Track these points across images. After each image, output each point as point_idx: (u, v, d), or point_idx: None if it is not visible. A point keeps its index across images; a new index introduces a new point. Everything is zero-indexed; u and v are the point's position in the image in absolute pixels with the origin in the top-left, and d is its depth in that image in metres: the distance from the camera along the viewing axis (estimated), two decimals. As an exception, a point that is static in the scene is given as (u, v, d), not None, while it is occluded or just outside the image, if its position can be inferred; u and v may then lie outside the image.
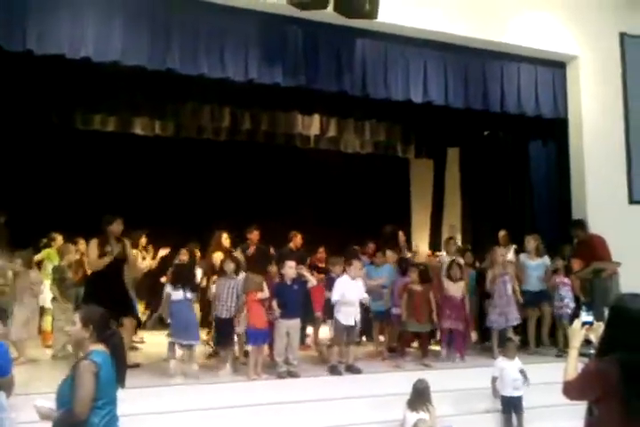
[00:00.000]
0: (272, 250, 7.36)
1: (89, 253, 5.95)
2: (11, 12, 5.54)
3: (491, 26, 7.51)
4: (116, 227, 5.93)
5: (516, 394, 5.43)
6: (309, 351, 6.85)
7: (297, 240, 7.81)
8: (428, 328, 6.66)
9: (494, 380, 5.55)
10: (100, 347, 2.96)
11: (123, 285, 6.02)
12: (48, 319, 7.07)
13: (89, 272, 6.25)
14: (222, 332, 6.00)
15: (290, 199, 10.31)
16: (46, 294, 6.89)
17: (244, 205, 9.80)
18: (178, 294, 5.81)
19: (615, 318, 2.63)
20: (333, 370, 5.93)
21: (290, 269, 5.96)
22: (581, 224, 7.50)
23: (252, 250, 7.20)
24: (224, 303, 5.96)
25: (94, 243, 5.79)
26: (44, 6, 5.66)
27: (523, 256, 7.28)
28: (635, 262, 7.30)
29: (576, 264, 7.16)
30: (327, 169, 10.56)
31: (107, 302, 5.33)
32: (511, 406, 5.44)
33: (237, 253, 6.87)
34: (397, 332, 6.93)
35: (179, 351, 5.84)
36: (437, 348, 7.06)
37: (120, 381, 3.02)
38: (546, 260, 7.28)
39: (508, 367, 5.51)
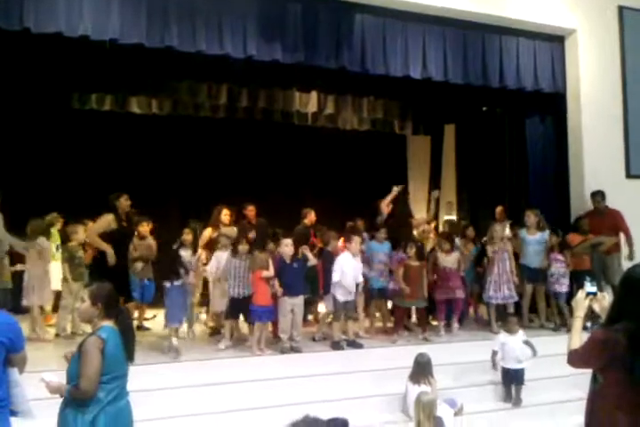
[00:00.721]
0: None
1: (95, 225, 6.00)
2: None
3: (490, 0, 7.45)
4: (124, 202, 5.95)
5: (517, 367, 5.53)
6: (311, 328, 6.94)
7: (311, 217, 7.74)
8: (423, 303, 6.73)
9: (494, 354, 5.66)
10: (109, 323, 3.00)
11: (124, 264, 6.09)
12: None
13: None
14: (235, 310, 6.10)
15: (288, 176, 10.30)
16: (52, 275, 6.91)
17: (242, 183, 9.78)
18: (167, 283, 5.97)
19: (625, 288, 2.68)
20: (336, 346, 6.02)
21: (286, 247, 5.97)
22: (603, 195, 7.55)
23: (247, 226, 7.25)
24: (236, 282, 6.03)
25: (109, 217, 5.83)
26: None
27: (523, 231, 7.33)
28: (634, 236, 7.41)
29: (575, 239, 7.23)
30: (325, 146, 10.53)
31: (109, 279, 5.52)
32: (511, 378, 5.55)
33: (229, 229, 6.90)
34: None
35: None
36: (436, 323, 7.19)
37: (129, 356, 3.06)
38: (546, 234, 7.32)
39: (510, 342, 5.61)
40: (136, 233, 6.68)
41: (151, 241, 7.01)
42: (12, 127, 8.54)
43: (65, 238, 7.37)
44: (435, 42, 7.35)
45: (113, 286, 5.64)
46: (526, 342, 5.57)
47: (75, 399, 2.86)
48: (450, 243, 7.00)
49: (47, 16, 5.56)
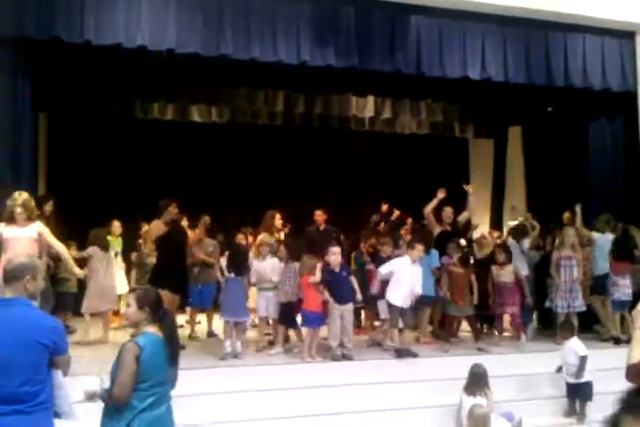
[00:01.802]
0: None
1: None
2: (68, 4, 5.72)
3: (553, -4, 7.16)
4: (172, 210, 6.15)
5: (575, 381, 5.24)
6: (363, 335, 6.84)
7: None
8: (470, 312, 6.49)
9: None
10: (153, 329, 2.97)
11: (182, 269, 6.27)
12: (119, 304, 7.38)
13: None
14: (285, 316, 6.11)
15: (347, 183, 10.24)
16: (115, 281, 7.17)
17: (301, 189, 9.84)
18: (230, 275, 6.02)
19: None
20: (399, 353, 5.85)
21: (333, 255, 5.90)
22: None
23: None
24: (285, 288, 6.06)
25: (157, 223, 6.10)
26: (100, -3, 5.80)
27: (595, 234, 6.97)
28: None
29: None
30: (384, 151, 10.42)
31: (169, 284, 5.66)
32: (574, 393, 5.26)
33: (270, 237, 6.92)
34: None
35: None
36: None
37: (172, 362, 3.00)
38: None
39: (565, 354, 5.34)
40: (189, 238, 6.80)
41: (209, 243, 7.09)
42: (80, 139, 8.94)
43: (130, 245, 7.68)
44: (494, 41, 7.13)
45: (176, 292, 5.90)
46: (581, 358, 5.25)
47: (110, 406, 2.86)
48: (505, 254, 6.71)
49: (106, 28, 5.78)
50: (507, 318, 6.87)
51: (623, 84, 7.66)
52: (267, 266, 6.23)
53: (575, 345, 5.38)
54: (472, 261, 7.11)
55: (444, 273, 6.51)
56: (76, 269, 5.56)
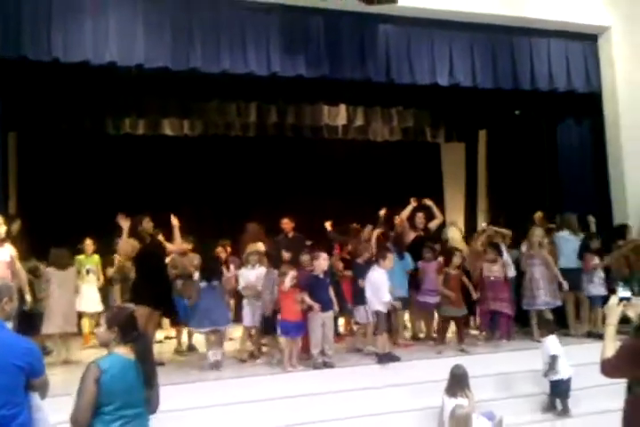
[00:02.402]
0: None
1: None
2: (35, 23, 5.72)
3: (517, 1, 7.34)
4: (146, 224, 6.11)
5: (555, 378, 5.31)
6: (343, 342, 6.87)
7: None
8: (464, 312, 6.60)
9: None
10: (123, 350, 2.88)
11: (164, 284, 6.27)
12: (86, 322, 7.30)
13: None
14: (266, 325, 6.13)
15: (322, 191, 10.29)
16: (83, 298, 7.10)
17: (276, 199, 9.85)
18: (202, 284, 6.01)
19: None
20: (381, 359, 5.85)
21: (324, 261, 5.93)
22: None
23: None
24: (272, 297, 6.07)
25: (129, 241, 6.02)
26: (67, 14, 5.82)
27: (562, 233, 7.11)
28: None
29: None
30: (357, 159, 10.50)
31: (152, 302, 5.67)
32: (553, 389, 5.33)
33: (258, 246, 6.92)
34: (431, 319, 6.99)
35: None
36: (474, 332, 7.08)
37: (147, 383, 2.89)
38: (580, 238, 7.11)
39: (544, 351, 5.42)
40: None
41: (193, 256, 7.07)
42: (52, 156, 8.86)
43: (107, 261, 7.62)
44: (461, 48, 7.29)
45: (157, 308, 5.84)
46: (552, 357, 5.32)
47: None
48: (494, 250, 6.83)
49: (74, 45, 5.80)
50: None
51: (588, 85, 7.87)
52: (255, 275, 6.24)
53: (549, 343, 5.44)
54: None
55: (440, 275, 6.60)
56: (27, 297, 5.66)
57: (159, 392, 3.00)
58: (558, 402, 5.35)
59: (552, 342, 5.46)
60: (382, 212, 7.51)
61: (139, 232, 6.03)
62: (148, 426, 2.97)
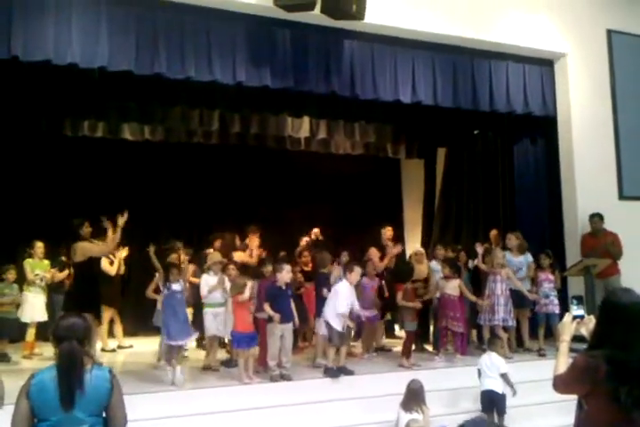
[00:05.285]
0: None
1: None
2: (-5, 19, 5.52)
3: (478, 25, 7.53)
4: (85, 229, 6.12)
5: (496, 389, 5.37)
6: (301, 354, 6.83)
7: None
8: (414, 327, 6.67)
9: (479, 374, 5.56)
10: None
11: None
12: (31, 331, 7.04)
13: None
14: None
15: (282, 202, 10.27)
16: (25, 305, 6.88)
17: (235, 209, 9.77)
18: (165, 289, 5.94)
19: (605, 313, 2.60)
20: (330, 373, 5.87)
21: (287, 273, 5.91)
22: (601, 217, 7.55)
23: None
24: None
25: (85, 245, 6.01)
26: (28, 12, 5.63)
27: (507, 254, 7.28)
28: (626, 257, 7.36)
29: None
30: (318, 171, 10.52)
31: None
32: (488, 404, 5.39)
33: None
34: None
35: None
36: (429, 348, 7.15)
37: (62, 402, 2.57)
38: (528, 257, 7.30)
39: (489, 363, 5.51)
40: None
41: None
42: (4, 154, 8.56)
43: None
44: (424, 67, 7.41)
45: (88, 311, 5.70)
46: (502, 375, 5.41)
47: None
48: (450, 268, 6.94)
49: (35, 44, 5.59)
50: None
51: (544, 109, 8.12)
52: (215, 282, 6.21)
53: (496, 360, 5.51)
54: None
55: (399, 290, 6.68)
56: None
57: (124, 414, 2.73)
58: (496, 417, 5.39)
59: (498, 360, 5.54)
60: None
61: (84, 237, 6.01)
62: None
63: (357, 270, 6.15)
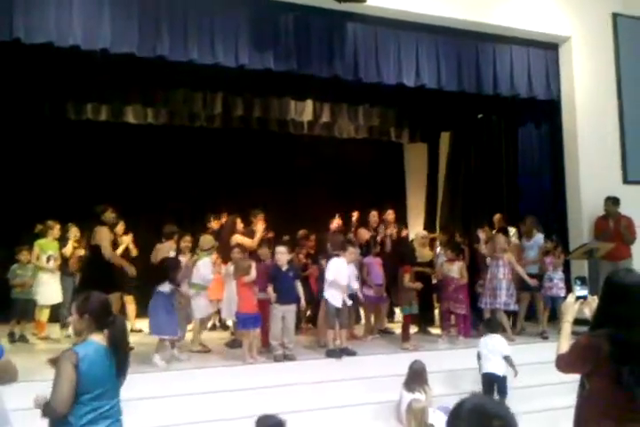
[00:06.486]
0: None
1: (104, 242, 6.10)
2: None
3: (483, 8, 7.48)
4: (109, 214, 6.15)
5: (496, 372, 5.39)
6: (306, 335, 6.91)
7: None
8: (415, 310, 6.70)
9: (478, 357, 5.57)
10: (97, 337, 2.81)
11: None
12: (44, 311, 7.07)
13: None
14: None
15: (285, 186, 10.29)
16: (40, 287, 6.87)
17: (238, 193, 9.79)
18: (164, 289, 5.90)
19: (608, 293, 2.63)
20: (331, 353, 5.94)
21: (281, 255, 5.96)
22: (615, 200, 7.57)
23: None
24: None
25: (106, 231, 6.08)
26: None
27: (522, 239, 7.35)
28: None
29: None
30: (322, 155, 10.52)
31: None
32: (488, 386, 5.41)
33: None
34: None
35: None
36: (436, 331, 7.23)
37: (119, 372, 2.82)
38: (540, 239, 7.32)
39: (482, 346, 5.53)
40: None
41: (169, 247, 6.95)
42: (9, 140, 8.57)
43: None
44: (427, 50, 7.37)
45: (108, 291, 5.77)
46: (506, 358, 5.43)
47: (48, 418, 2.69)
48: (453, 251, 6.98)
49: (37, 26, 5.58)
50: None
51: (548, 92, 8.09)
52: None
53: (497, 343, 5.49)
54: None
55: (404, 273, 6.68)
56: None
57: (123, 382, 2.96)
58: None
59: (500, 342, 5.53)
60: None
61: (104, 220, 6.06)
62: (122, 423, 2.87)
63: (351, 250, 6.20)
